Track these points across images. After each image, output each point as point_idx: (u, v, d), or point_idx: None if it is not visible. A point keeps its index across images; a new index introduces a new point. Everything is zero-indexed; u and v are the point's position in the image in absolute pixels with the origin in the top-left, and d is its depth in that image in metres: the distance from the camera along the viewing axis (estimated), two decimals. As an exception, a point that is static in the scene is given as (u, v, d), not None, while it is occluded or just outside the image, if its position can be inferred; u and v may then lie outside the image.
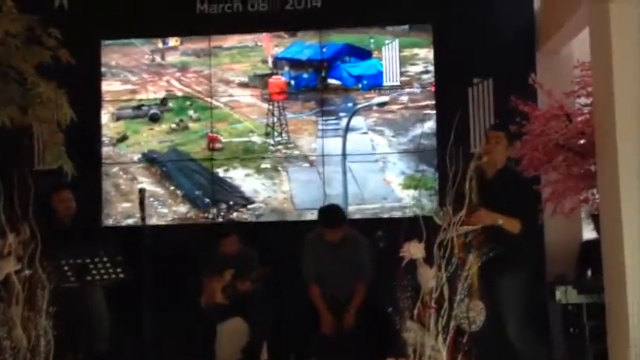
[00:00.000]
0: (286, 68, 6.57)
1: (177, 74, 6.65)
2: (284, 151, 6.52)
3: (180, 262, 5.65)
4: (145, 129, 6.60)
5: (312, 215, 5.99)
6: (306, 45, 6.57)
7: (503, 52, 6.17)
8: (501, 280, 4.23)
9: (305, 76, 6.56)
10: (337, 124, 6.51)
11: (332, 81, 6.54)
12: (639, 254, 3.97)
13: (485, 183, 4.26)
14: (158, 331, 4.47)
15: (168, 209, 6.53)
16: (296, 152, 6.51)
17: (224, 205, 6.50)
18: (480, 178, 4.09)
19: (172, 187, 6.56)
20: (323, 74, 6.53)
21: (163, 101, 6.62)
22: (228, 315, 5.34)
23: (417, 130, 6.40)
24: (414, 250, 3.19)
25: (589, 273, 5.32)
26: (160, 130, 6.59)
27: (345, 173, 6.44)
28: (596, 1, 4.29)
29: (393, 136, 6.45)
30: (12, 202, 3.05)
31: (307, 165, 6.50)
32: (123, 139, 6.59)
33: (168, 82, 6.65)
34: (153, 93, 6.64)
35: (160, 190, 6.54)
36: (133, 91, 6.64)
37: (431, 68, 6.42)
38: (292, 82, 6.55)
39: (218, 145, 6.54)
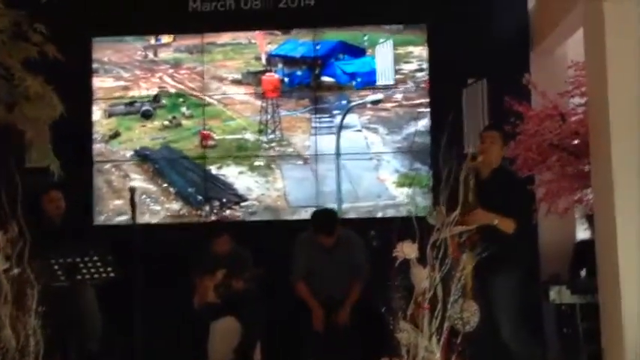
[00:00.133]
0: (280, 65, 6.53)
1: (170, 71, 6.60)
2: (277, 148, 6.49)
3: (171, 262, 5.62)
4: (138, 126, 6.55)
5: (306, 213, 5.96)
6: (299, 42, 6.54)
7: (498, 51, 6.15)
8: (495, 280, 4.24)
9: (299, 73, 6.52)
10: (331, 121, 6.48)
11: (326, 78, 6.51)
12: (633, 254, 3.97)
13: (481, 183, 4.26)
14: (149, 330, 4.46)
15: (160, 206, 6.49)
16: (289, 150, 6.48)
17: (217, 203, 6.46)
18: (475, 178, 4.09)
19: (165, 185, 6.51)
20: (317, 72, 6.50)
21: (156, 98, 6.57)
22: (220, 314, 5.31)
23: (411, 128, 6.39)
24: (407, 249, 3.17)
25: (583, 273, 5.32)
26: (153, 127, 6.54)
27: (338, 171, 6.42)
28: (590, 0, 4.27)
29: (387, 134, 6.42)
30: (0, 199, 3.01)
31: (301, 162, 6.47)
32: (115, 135, 6.54)
33: (160, 78, 6.60)
34: (145, 90, 6.59)
35: (152, 188, 6.50)
36: (126, 88, 6.59)
37: (425, 66, 6.40)
38: (286, 79, 6.52)
39: (211, 143, 6.50)
